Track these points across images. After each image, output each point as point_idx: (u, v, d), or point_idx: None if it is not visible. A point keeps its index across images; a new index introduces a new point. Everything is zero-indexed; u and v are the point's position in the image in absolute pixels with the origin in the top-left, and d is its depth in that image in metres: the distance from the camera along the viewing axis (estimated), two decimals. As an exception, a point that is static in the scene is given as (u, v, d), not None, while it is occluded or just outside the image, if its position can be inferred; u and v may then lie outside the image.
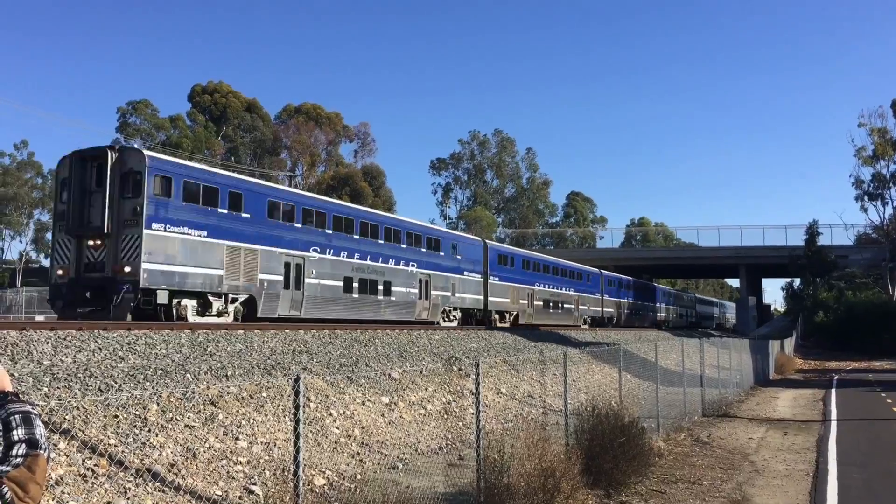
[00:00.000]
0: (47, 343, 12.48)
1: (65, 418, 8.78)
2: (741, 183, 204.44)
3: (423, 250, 31.94)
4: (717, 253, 72.16)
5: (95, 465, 8.09)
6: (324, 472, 10.23)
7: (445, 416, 14.81)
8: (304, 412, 6.55)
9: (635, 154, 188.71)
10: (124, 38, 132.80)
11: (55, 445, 8.11)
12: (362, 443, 11.94)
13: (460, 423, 14.59)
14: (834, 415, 20.91)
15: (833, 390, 28.64)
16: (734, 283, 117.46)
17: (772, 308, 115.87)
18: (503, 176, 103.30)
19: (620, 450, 10.52)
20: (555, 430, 11.99)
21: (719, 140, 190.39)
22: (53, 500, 7.26)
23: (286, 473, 9.17)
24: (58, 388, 9.77)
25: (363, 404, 13.55)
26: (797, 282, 75.55)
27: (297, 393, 6.38)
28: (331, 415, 12.46)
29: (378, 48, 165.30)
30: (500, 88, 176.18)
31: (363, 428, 12.54)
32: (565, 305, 48.19)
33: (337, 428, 12.08)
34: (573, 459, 8.86)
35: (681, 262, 78.39)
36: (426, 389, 15.81)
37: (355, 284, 27.25)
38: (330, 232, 26.32)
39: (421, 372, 16.60)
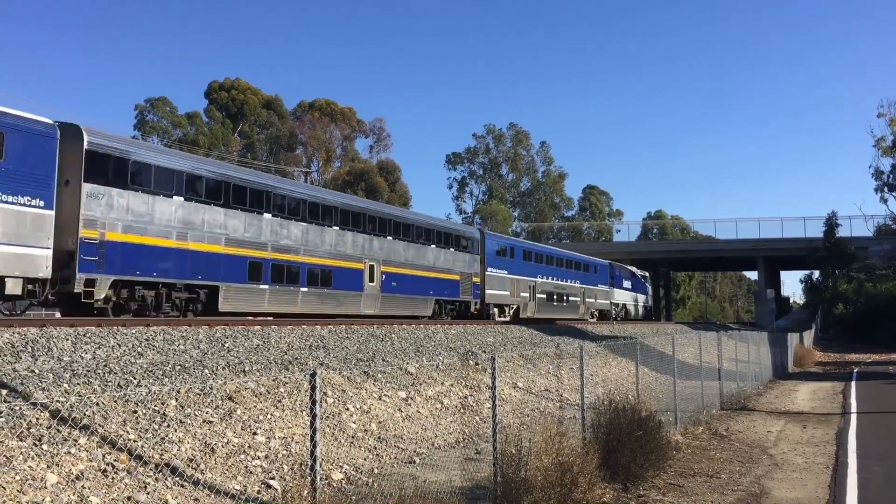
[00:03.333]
0: (67, 340, 12.59)
1: (85, 414, 8.86)
2: (759, 175, 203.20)
3: None
4: (735, 245, 71.77)
5: (115, 460, 8.17)
6: (341, 467, 10.28)
7: (462, 411, 14.83)
8: (321, 407, 6.58)
9: (651, 147, 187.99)
10: (141, 35, 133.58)
11: (76, 441, 8.20)
12: (379, 437, 11.99)
13: (477, 418, 14.60)
14: (854, 407, 20.75)
15: (853, 383, 28.42)
16: (752, 275, 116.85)
17: (791, 300, 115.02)
18: (518, 170, 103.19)
19: (637, 444, 10.49)
20: (572, 424, 11.98)
21: (736, 132, 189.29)
22: (74, 494, 7.34)
23: (304, 468, 9.23)
24: (78, 384, 9.87)
25: (380, 399, 13.60)
26: (816, 274, 74.96)
27: (313, 388, 6.41)
28: (348, 409, 12.51)
29: (391, 43, 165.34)
30: (514, 82, 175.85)
31: (380, 423, 12.58)
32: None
33: (354, 423, 12.12)
34: (590, 454, 8.85)
35: (698, 255, 78.10)
36: (443, 384, 15.83)
37: None
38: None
39: (437, 366, 16.62)
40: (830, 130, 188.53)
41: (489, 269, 37.53)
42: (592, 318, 52.71)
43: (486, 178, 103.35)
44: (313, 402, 6.43)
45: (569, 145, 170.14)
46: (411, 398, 14.35)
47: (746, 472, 12.09)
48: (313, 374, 6.42)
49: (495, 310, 38.34)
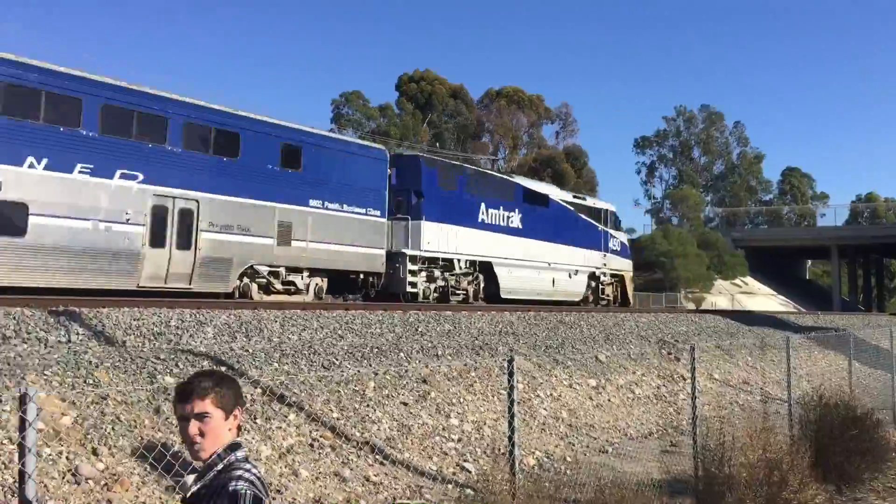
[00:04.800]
0: (276, 322, 13.44)
1: (293, 392, 9.42)
2: None
3: None
4: (962, 229, 64.94)
5: (321, 437, 8.62)
6: (533, 453, 10.29)
7: (655, 401, 14.43)
8: (517, 393, 6.59)
9: (859, 123, 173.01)
10: (336, 32, 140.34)
11: (285, 417, 8.73)
12: (570, 425, 11.89)
13: (671, 409, 14.15)
14: None
15: None
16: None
17: None
18: (711, 152, 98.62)
19: (852, 443, 9.74)
20: (776, 419, 11.31)
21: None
22: (286, 467, 7.82)
23: (496, 452, 9.33)
24: (286, 363, 10.50)
25: (570, 387, 13.48)
26: None
27: (511, 374, 6.43)
28: (538, 396, 12.51)
29: (578, 28, 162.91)
30: (704, 62, 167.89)
31: (570, 410, 12.48)
32: None
33: (545, 409, 12.10)
34: (801, 452, 8.30)
35: (916, 240, 71.25)
36: (634, 373, 15.47)
37: None
38: None
39: (629, 355, 16.27)
40: None
41: None
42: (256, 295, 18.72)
43: (676, 161, 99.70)
44: (511, 388, 6.45)
45: (765, 126, 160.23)
46: (602, 386, 14.12)
47: (981, 481, 10.89)
48: (510, 360, 6.43)
49: None
